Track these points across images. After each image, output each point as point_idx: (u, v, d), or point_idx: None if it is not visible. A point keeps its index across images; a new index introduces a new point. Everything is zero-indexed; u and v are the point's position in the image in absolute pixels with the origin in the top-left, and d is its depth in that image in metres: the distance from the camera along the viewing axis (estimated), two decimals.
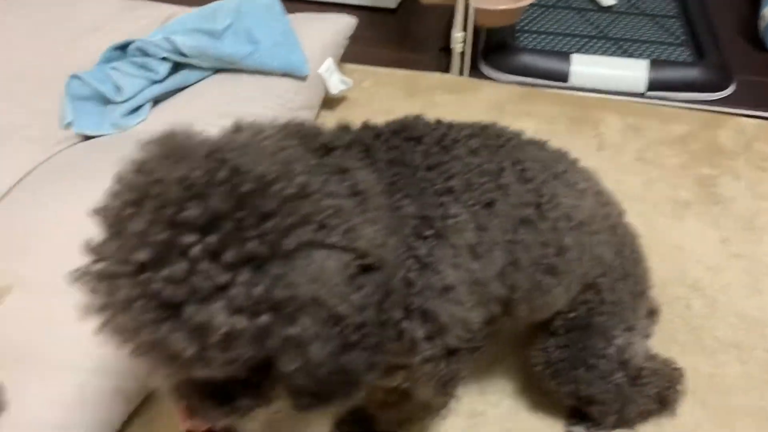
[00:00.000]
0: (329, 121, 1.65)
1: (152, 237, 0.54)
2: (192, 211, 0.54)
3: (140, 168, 0.60)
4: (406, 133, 0.79)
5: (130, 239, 0.54)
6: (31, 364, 0.95)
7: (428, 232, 0.74)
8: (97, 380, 0.98)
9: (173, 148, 0.60)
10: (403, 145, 0.78)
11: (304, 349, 0.58)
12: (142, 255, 0.53)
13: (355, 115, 1.64)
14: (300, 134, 0.72)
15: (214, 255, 0.53)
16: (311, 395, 0.63)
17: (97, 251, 0.57)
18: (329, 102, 1.68)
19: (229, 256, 0.53)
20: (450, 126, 0.84)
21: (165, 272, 0.53)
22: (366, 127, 0.81)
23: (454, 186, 0.77)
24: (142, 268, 0.53)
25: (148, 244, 0.54)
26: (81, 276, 0.59)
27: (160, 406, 1.07)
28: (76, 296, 1.04)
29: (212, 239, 0.53)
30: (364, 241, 0.61)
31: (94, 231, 1.13)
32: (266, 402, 0.67)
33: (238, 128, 0.67)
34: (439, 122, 0.85)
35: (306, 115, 1.54)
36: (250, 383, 0.64)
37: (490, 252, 0.80)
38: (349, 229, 0.60)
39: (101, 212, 0.60)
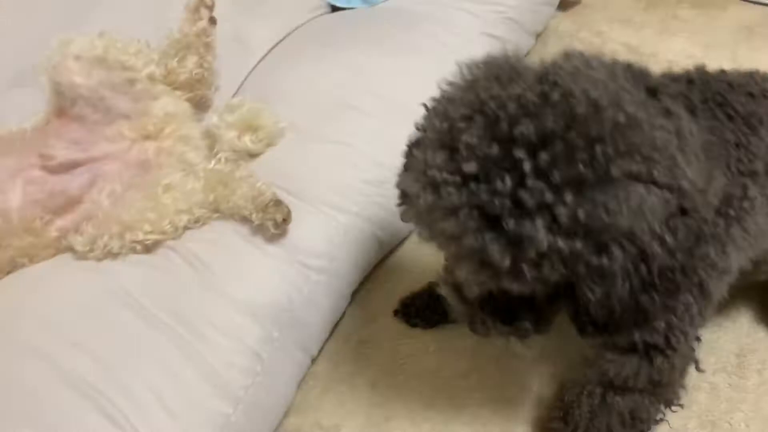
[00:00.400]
0: (562, 23, 1.62)
1: (484, 150, 0.55)
2: (525, 128, 0.54)
3: (471, 86, 0.60)
4: (726, 107, 0.76)
5: (461, 151, 0.56)
6: (304, 200, 1.03)
7: (729, 211, 0.72)
8: (360, 223, 1.05)
9: (503, 69, 0.61)
10: (721, 116, 0.75)
11: (608, 281, 0.57)
12: (472, 167, 0.55)
13: (588, 20, 1.61)
14: (627, 71, 0.71)
15: (543, 173, 0.53)
16: (599, 326, 0.63)
17: (425, 161, 0.58)
18: (563, 4, 1.63)
19: (557, 175, 0.53)
20: (754, 97, 0.79)
21: (494, 185, 0.54)
22: (692, 82, 0.78)
23: (757, 169, 0.74)
24: (471, 178, 0.55)
25: (479, 157, 0.55)
26: (407, 182, 0.61)
27: (403, 257, 1.14)
28: (339, 147, 1.12)
29: (543, 157, 0.53)
30: (686, 182, 0.59)
31: (346, 92, 1.19)
32: (546, 327, 0.69)
33: (567, 56, 0.65)
34: (748, 93, 0.80)
35: (545, 11, 1.52)
36: (537, 307, 0.66)
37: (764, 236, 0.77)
38: (672, 167, 0.58)
39: (428, 127, 0.61)
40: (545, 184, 0.53)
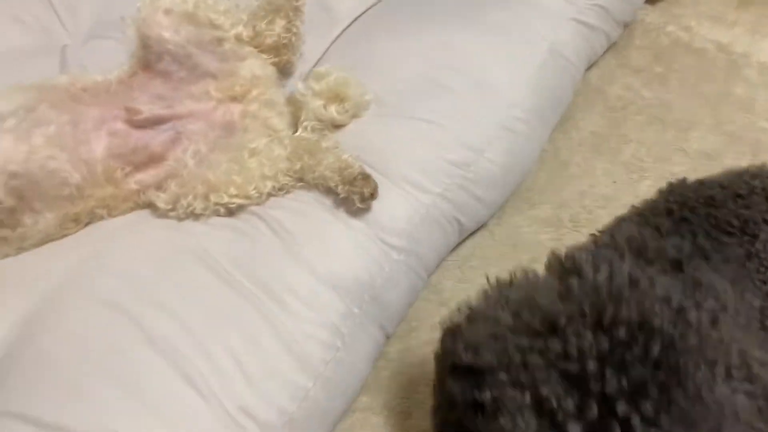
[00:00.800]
0: (650, 15, 1.55)
1: (582, 413, 0.55)
2: (617, 382, 0.56)
3: (524, 344, 0.61)
4: (722, 224, 0.78)
5: (558, 417, 0.56)
6: (387, 176, 1.00)
7: (766, 322, 0.73)
8: (442, 205, 1.02)
9: (542, 313, 0.61)
10: (723, 237, 0.78)
11: None
12: (578, 429, 0.55)
13: (677, 14, 1.55)
14: (645, 253, 0.73)
15: (650, 420, 0.54)
16: None
17: (518, 428, 0.58)
18: None
19: (665, 420, 0.54)
20: (744, 197, 0.81)
21: None
22: (686, 220, 0.80)
23: None
24: None
25: (579, 419, 0.55)
26: None
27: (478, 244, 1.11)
28: (424, 125, 1.08)
29: (646, 407, 0.55)
30: (757, 367, 0.61)
31: (433, 68, 1.15)
32: None
33: (587, 263, 0.66)
34: (737, 195, 0.81)
35: (635, 2, 1.46)
36: None
37: None
38: (744, 359, 0.61)
39: (496, 391, 0.60)
40: (656, 429, 0.55)
